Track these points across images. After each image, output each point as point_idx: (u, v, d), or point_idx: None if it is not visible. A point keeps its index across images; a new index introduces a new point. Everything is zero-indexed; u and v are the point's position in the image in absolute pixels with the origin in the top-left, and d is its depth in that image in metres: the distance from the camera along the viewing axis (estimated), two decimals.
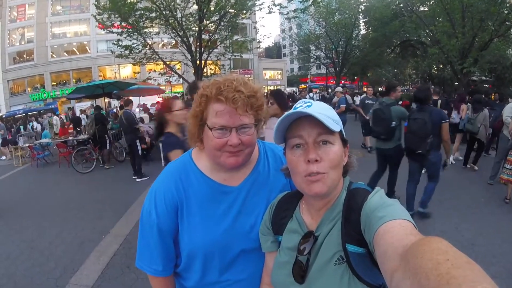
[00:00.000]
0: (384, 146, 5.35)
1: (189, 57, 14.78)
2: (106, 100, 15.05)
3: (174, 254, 1.29)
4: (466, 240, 4.38)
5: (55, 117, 21.11)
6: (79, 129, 12.73)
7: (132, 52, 14.46)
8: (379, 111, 5.30)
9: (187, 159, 1.30)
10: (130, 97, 10.45)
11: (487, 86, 28.55)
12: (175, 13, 13.67)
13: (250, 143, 1.17)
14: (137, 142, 8.55)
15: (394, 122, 5.08)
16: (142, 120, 13.02)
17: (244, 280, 1.27)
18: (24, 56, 40.82)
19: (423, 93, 4.83)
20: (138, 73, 38.36)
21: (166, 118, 3.13)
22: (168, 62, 15.38)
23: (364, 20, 30.69)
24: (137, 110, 15.44)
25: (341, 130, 0.98)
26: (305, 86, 44.69)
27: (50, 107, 33.89)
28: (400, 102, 9.33)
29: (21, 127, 22.42)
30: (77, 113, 20.79)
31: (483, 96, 9.69)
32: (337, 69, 31.48)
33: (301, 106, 0.97)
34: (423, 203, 5.07)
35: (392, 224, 0.75)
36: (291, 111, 0.95)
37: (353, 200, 0.96)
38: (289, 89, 44.05)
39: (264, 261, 1.25)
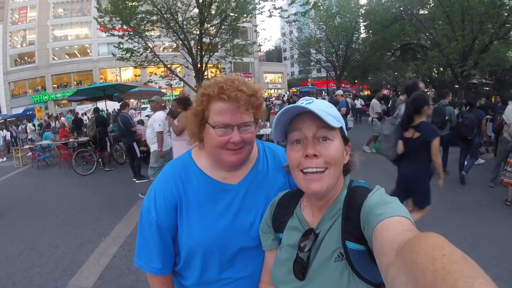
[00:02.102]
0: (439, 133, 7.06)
1: (190, 60, 14.76)
2: (107, 102, 15.09)
3: (173, 252, 1.29)
4: (467, 243, 4.38)
5: (29, 124, 20.78)
6: (83, 130, 12.73)
7: (133, 55, 14.44)
8: (438, 109, 7.03)
9: (187, 158, 1.31)
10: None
11: (487, 88, 28.56)
12: (176, 17, 13.68)
13: (250, 140, 1.19)
14: (135, 144, 8.54)
15: (447, 117, 7.03)
16: (142, 122, 13.03)
17: (243, 278, 1.27)
18: (26, 58, 41.02)
19: (473, 100, 7.75)
20: (139, 76, 38.40)
21: None
22: (169, 65, 15.39)
23: (365, 23, 30.66)
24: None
25: (341, 127, 0.99)
26: (296, 90, 44.55)
27: (27, 113, 33.27)
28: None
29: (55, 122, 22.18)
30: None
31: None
32: (338, 72, 31.45)
33: (302, 103, 0.98)
34: (467, 171, 7.11)
35: (390, 221, 0.76)
36: (290, 105, 0.96)
37: (353, 198, 0.96)
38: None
39: (263, 259, 1.25)
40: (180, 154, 4.16)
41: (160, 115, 6.49)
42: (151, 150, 6.57)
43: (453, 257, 0.50)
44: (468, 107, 7.61)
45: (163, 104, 7.69)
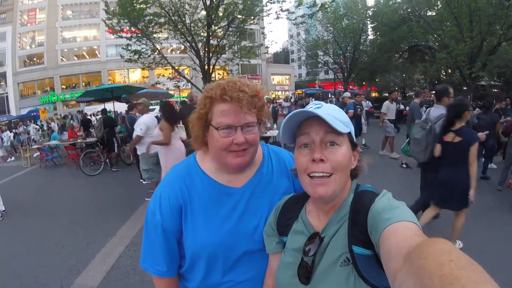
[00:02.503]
0: None
1: (198, 62, 14.86)
2: (115, 104, 15.22)
3: (178, 255, 1.29)
4: (474, 247, 4.31)
5: (32, 125, 20.58)
6: (90, 131, 12.81)
7: (141, 56, 14.57)
8: None
9: (192, 161, 1.31)
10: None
11: (495, 90, 28.32)
12: (183, 19, 13.77)
13: (254, 141, 1.18)
14: None
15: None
16: None
17: (246, 281, 1.27)
18: (34, 59, 41.45)
19: (488, 103, 7.93)
20: (147, 77, 38.66)
21: None
22: (176, 67, 15.47)
23: (372, 25, 30.63)
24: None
25: (350, 133, 0.99)
26: (301, 92, 44.49)
27: (32, 114, 33.17)
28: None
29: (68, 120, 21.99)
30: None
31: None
32: (345, 74, 31.40)
33: (311, 107, 0.98)
34: (485, 172, 7.50)
35: (397, 226, 0.75)
36: (299, 110, 0.96)
37: (360, 202, 0.96)
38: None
39: (267, 263, 1.25)
40: (166, 161, 4.15)
41: (145, 118, 6.34)
42: (139, 153, 6.40)
43: (461, 262, 0.50)
44: (483, 110, 7.77)
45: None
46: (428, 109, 5.09)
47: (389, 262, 0.68)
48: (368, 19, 29.36)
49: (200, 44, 14.74)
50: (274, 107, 19.60)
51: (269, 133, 9.80)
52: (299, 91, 48.18)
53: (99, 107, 20.84)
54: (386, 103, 10.57)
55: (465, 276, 0.46)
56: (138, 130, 6.15)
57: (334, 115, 0.95)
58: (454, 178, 4.02)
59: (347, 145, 0.97)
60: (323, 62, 35.22)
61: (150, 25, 13.72)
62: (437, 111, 4.66)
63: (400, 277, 0.60)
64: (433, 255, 0.53)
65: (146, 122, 6.20)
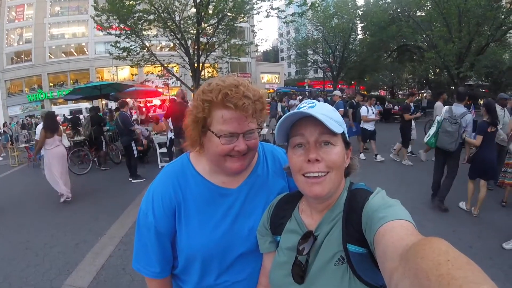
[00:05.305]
0: None
1: (187, 59, 14.77)
2: (104, 101, 15.04)
3: (172, 256, 1.27)
4: (463, 243, 4.38)
5: None
6: (78, 129, 12.61)
7: (130, 54, 14.45)
8: None
9: (185, 161, 1.28)
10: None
11: (483, 90, 28.75)
12: (173, 16, 13.68)
13: (255, 146, 1.16)
14: (133, 143, 8.52)
15: None
16: (138, 122, 12.99)
17: (242, 281, 1.25)
18: (22, 56, 40.84)
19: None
20: (135, 75, 38.26)
21: None
22: (166, 65, 15.37)
23: (362, 24, 30.86)
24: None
25: (343, 132, 0.98)
26: (273, 90, 44.48)
27: None
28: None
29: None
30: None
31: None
32: (335, 73, 31.58)
33: (304, 106, 0.97)
34: None
35: (393, 225, 0.75)
36: (294, 111, 0.95)
37: (354, 200, 0.96)
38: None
39: (261, 262, 1.24)
40: (45, 162, 5.80)
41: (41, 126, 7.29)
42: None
43: (458, 262, 0.50)
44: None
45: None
46: (449, 107, 5.70)
47: (385, 261, 0.68)
48: (358, 18, 29.58)
49: (189, 42, 14.65)
50: (283, 106, 18.51)
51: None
52: (270, 89, 48.08)
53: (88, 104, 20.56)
54: (439, 104, 8.94)
55: (462, 276, 0.46)
56: (37, 136, 7.34)
57: (329, 115, 0.94)
58: (494, 155, 5.39)
59: (341, 145, 0.97)
60: (312, 61, 35.35)
61: (139, 22, 13.60)
62: (459, 109, 5.54)
63: (397, 277, 0.59)
64: (430, 255, 0.53)
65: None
